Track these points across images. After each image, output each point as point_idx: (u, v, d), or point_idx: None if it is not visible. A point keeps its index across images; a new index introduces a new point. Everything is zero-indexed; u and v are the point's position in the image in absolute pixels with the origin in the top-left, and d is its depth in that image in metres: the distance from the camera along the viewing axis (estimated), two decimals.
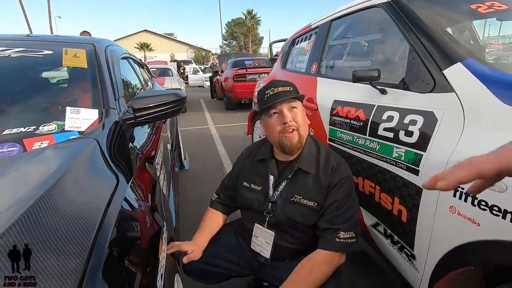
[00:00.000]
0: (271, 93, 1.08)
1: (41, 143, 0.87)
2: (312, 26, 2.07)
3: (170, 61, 10.84)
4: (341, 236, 0.99)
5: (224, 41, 40.15)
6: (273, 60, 3.09)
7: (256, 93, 2.92)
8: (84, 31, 4.08)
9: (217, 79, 9.17)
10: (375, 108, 1.20)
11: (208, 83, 13.79)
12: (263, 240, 1.13)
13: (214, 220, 1.26)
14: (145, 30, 41.96)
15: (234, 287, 1.40)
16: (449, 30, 1.08)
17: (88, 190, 0.65)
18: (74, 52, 1.32)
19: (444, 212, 0.86)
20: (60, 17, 31.77)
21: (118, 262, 0.54)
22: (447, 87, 0.93)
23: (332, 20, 1.79)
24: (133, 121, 1.19)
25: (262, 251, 1.13)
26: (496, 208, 0.71)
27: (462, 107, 0.87)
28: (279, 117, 1.07)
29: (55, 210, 0.52)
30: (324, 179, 1.06)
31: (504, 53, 1.33)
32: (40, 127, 0.93)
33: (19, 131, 0.90)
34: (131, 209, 0.70)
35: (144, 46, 33.35)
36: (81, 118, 1.02)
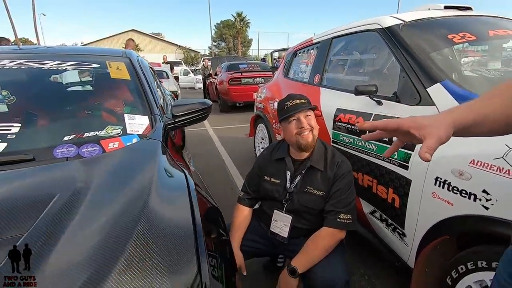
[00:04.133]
0: (290, 104, 1.34)
1: (114, 144, 1.08)
2: (314, 41, 2.34)
3: (163, 63, 10.92)
4: (341, 217, 1.25)
5: (213, 43, 40.14)
6: (274, 68, 3.34)
7: (258, 98, 3.17)
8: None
9: (211, 81, 9.37)
10: (373, 116, 1.47)
11: (199, 85, 13.96)
12: (281, 224, 1.38)
13: (244, 217, 1.47)
14: (133, 30, 41.43)
15: (252, 267, 1.63)
16: (431, 55, 1.36)
17: (173, 181, 0.88)
18: (116, 65, 1.53)
19: (428, 197, 1.13)
20: (44, 15, 30.94)
21: (211, 239, 0.76)
22: (430, 101, 1.21)
23: (333, 38, 2.06)
24: (172, 125, 1.41)
25: (281, 232, 1.38)
26: (464, 192, 0.98)
27: None
28: (297, 123, 1.33)
29: (162, 201, 0.74)
30: (330, 173, 1.32)
31: (477, 68, 1.63)
32: (108, 131, 1.14)
33: (94, 134, 1.10)
34: (200, 195, 0.93)
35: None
36: (137, 123, 1.24)
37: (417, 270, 1.19)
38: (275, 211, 1.41)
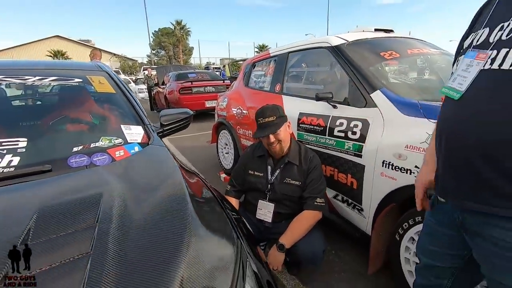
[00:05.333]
0: (262, 121, 1.62)
1: (120, 152, 1.18)
2: (271, 54, 2.65)
3: None
4: (318, 201, 1.55)
5: (152, 51, 38.64)
6: (232, 78, 3.58)
7: (219, 106, 3.36)
8: None
9: (158, 91, 9.16)
10: (330, 117, 1.80)
11: (141, 95, 13.39)
12: (266, 211, 1.63)
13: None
14: (57, 36, 37.47)
15: None
16: (370, 68, 1.76)
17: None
18: (97, 79, 1.59)
19: (378, 176, 1.48)
20: None
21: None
22: (373, 104, 1.58)
23: (289, 52, 2.40)
24: (161, 133, 1.54)
25: (265, 218, 1.62)
26: (403, 169, 1.35)
27: (382, 116, 1.52)
28: (266, 139, 1.61)
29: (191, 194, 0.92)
30: (305, 166, 1.62)
31: (398, 76, 2.10)
32: (104, 141, 1.23)
33: (102, 144, 1.19)
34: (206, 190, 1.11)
35: (58, 54, 29.71)
36: (134, 133, 1.34)
37: (374, 235, 1.54)
38: (259, 200, 1.64)
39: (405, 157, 1.34)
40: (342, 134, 1.70)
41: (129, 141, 1.28)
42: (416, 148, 1.29)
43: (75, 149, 1.12)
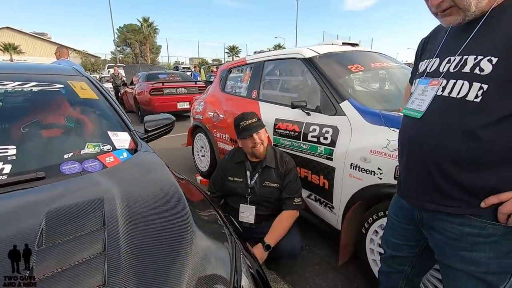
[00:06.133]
0: (245, 124, 1.73)
1: (109, 158, 1.23)
2: (247, 62, 2.77)
3: None
4: (295, 201, 1.70)
5: (116, 48, 36.88)
6: (208, 82, 3.64)
7: (195, 110, 3.41)
8: None
9: (126, 91, 8.87)
10: (304, 124, 1.97)
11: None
12: (247, 213, 1.74)
13: None
14: (8, 28, 34.29)
15: None
16: (340, 80, 1.95)
17: (188, 184, 1.13)
18: (79, 84, 1.60)
19: (347, 177, 1.67)
20: None
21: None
22: (342, 113, 1.77)
23: (265, 61, 2.54)
24: (146, 139, 1.59)
25: (248, 219, 1.73)
26: (368, 170, 1.54)
27: (350, 123, 1.71)
28: (251, 140, 1.71)
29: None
30: (282, 169, 1.76)
31: (363, 87, 2.33)
32: (102, 147, 1.26)
33: (90, 151, 1.22)
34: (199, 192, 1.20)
35: (9, 48, 27.21)
36: (121, 139, 1.39)
37: (343, 230, 1.72)
38: (241, 204, 1.75)
39: (370, 160, 1.53)
40: (315, 139, 1.87)
41: (117, 148, 1.32)
42: (379, 152, 1.49)
43: (66, 156, 1.15)
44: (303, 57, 2.13)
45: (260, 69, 2.56)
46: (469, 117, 0.73)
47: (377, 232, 1.56)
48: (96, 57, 38.38)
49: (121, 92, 9.50)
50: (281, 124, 2.14)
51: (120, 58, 36.75)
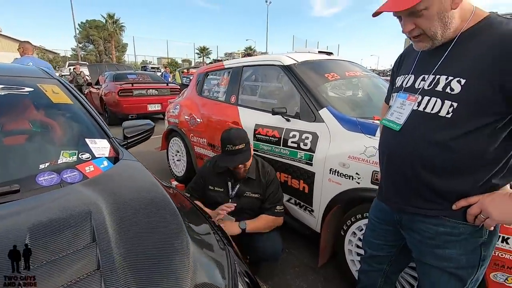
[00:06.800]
0: (231, 148, 1.69)
1: (89, 167, 1.17)
2: (225, 66, 2.77)
3: None
4: (278, 209, 1.75)
5: (78, 44, 34.60)
6: (183, 85, 3.57)
7: (171, 114, 3.33)
8: None
9: (90, 91, 8.39)
10: (284, 129, 2.02)
11: None
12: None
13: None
14: None
15: None
16: (318, 88, 2.02)
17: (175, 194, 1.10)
18: (50, 88, 1.50)
19: (326, 182, 1.74)
20: None
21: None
22: (321, 120, 1.84)
23: (243, 66, 2.55)
24: (126, 146, 1.53)
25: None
26: (346, 175, 1.62)
27: (329, 130, 1.78)
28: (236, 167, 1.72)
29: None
30: (263, 179, 1.79)
31: (339, 95, 2.45)
32: (81, 156, 1.20)
33: (67, 160, 1.15)
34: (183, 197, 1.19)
35: None
36: (100, 147, 1.32)
37: (323, 232, 1.79)
38: None
39: (348, 166, 1.61)
40: (295, 145, 1.92)
41: (96, 156, 1.26)
42: (357, 158, 1.57)
43: (41, 166, 1.07)
44: (282, 64, 2.18)
45: (239, 74, 2.57)
46: (441, 130, 0.82)
47: (355, 233, 1.64)
48: (55, 53, 35.72)
49: (85, 92, 8.97)
50: (261, 129, 2.17)
51: (82, 55, 34.60)
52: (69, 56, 35.52)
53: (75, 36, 32.06)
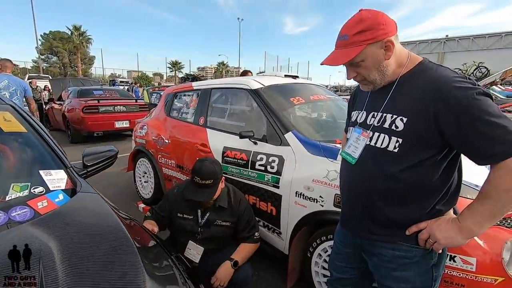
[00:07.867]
0: (198, 181, 1.63)
1: (42, 203, 1.10)
2: (194, 88, 2.78)
3: None
4: (256, 235, 1.77)
5: (40, 56, 32.77)
6: (152, 105, 3.52)
7: (138, 134, 3.25)
8: None
9: (52, 107, 7.94)
10: (252, 152, 2.05)
11: (26, 109, 11.22)
12: (194, 252, 1.71)
13: (153, 223, 1.72)
14: None
15: None
16: (284, 112, 2.09)
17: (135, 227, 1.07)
18: (1, 115, 1.41)
19: (292, 205, 1.78)
20: None
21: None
22: (287, 143, 1.90)
23: (212, 88, 2.58)
24: (85, 175, 1.47)
25: (193, 258, 1.70)
26: (311, 198, 1.67)
27: (294, 153, 1.84)
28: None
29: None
30: (235, 207, 1.78)
31: (304, 118, 2.55)
32: (33, 190, 1.13)
33: (17, 195, 1.08)
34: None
35: None
36: (55, 178, 1.26)
37: (291, 254, 1.81)
38: (190, 241, 1.71)
39: (313, 189, 1.67)
40: (262, 168, 1.96)
41: (51, 189, 1.19)
42: (320, 181, 1.63)
43: None
44: (249, 88, 2.24)
45: (208, 96, 2.59)
46: (390, 164, 0.91)
47: (320, 255, 1.68)
48: (14, 65, 33.52)
49: (46, 108, 8.47)
50: (230, 152, 2.18)
51: (45, 67, 32.82)
52: (30, 68, 33.47)
53: (36, 47, 30.41)
